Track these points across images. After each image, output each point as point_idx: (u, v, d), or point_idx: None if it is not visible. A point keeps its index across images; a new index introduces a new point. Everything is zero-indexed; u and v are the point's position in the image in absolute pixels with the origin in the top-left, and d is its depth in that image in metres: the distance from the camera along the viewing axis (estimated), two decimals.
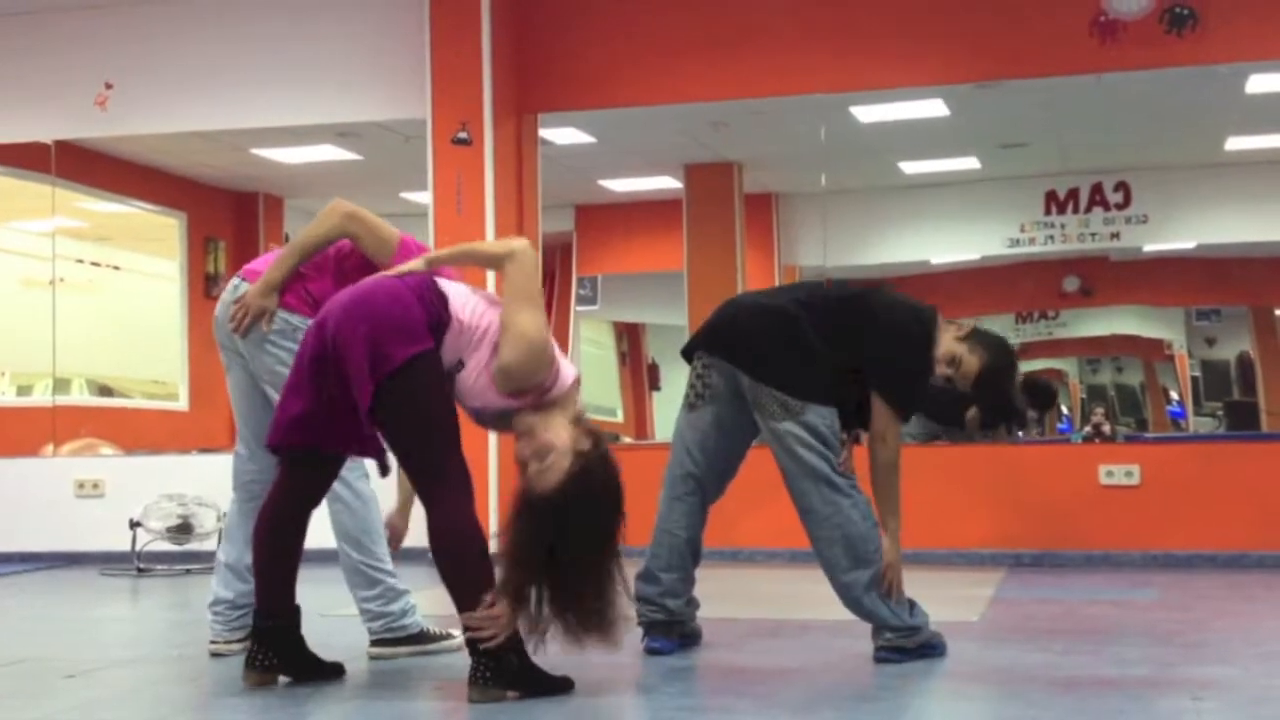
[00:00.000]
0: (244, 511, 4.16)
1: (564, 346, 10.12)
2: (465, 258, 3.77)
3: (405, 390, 3.38)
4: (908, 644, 3.94)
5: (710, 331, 4.16)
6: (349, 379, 3.40)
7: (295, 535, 3.64)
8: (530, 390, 3.43)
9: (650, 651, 4.13)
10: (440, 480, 3.43)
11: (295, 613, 3.67)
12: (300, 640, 3.70)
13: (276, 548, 3.62)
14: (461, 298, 3.51)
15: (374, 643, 4.16)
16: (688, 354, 4.22)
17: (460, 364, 3.47)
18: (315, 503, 3.69)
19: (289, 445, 3.57)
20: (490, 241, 3.65)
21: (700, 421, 4.12)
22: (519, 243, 3.59)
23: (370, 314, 3.40)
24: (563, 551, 3.31)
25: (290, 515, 3.63)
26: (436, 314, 3.44)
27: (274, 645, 3.63)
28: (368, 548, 4.15)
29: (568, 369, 3.49)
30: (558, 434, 3.38)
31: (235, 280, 4.09)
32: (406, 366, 3.36)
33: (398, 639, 4.15)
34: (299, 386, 3.52)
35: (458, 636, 4.07)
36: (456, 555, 3.42)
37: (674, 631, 4.17)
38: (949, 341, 4.08)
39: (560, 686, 3.48)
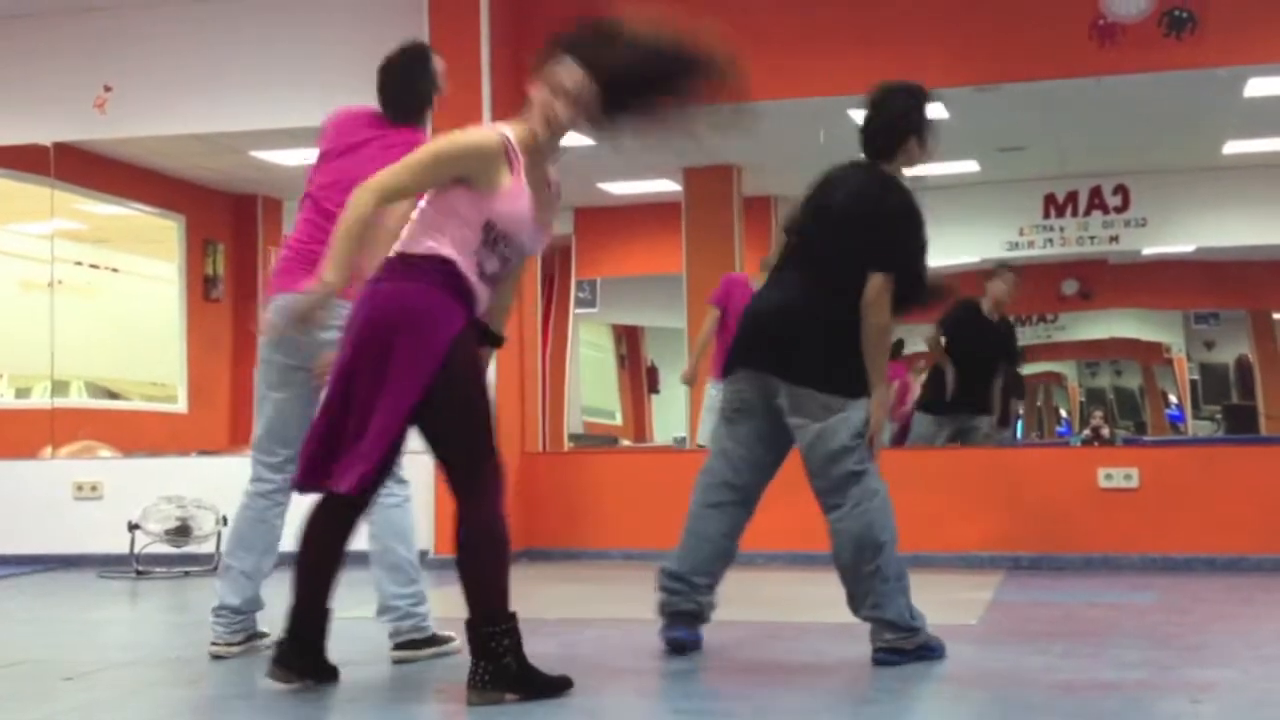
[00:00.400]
0: (265, 519, 4.16)
1: (562, 350, 10.16)
2: (347, 242, 3.45)
3: (449, 381, 3.39)
4: (906, 645, 3.95)
5: (742, 349, 4.16)
6: (391, 383, 3.38)
7: (344, 541, 3.61)
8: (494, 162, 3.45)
9: (672, 641, 4.12)
10: (477, 477, 3.44)
11: (329, 617, 3.66)
12: (324, 646, 3.69)
13: (327, 551, 3.59)
14: (425, 240, 3.46)
15: (399, 645, 4.13)
16: (728, 375, 4.22)
17: (502, 234, 3.48)
18: (365, 509, 3.66)
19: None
20: (341, 222, 3.54)
21: (739, 434, 4.14)
22: (354, 199, 3.45)
23: (399, 313, 3.40)
24: (663, 78, 3.52)
25: (343, 521, 3.60)
26: (438, 271, 3.42)
27: (307, 648, 3.61)
28: (412, 546, 4.19)
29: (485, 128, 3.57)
30: (544, 87, 3.54)
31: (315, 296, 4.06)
32: (449, 354, 3.37)
33: (418, 641, 4.15)
34: (330, 426, 3.48)
35: (456, 639, 4.08)
36: (483, 556, 3.43)
37: (695, 624, 4.18)
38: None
39: (559, 686, 3.49)
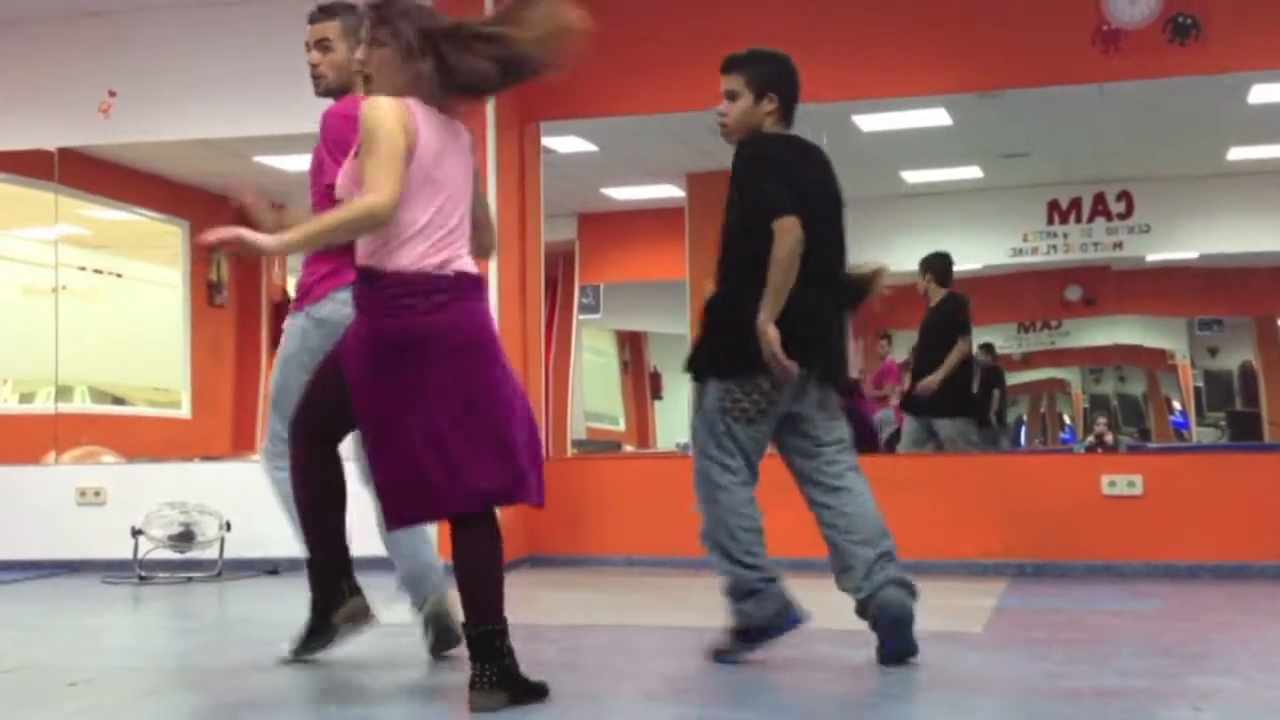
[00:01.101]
0: None
1: (565, 355, 10.16)
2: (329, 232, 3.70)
3: None
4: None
5: (812, 349, 4.13)
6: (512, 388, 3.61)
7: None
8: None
9: (798, 623, 4.16)
10: None
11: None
12: None
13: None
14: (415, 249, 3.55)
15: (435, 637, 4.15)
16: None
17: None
18: None
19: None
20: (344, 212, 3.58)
21: (760, 434, 4.18)
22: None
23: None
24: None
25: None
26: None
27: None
28: (434, 549, 4.22)
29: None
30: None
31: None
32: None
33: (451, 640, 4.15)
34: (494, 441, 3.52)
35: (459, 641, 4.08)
36: (483, 558, 3.45)
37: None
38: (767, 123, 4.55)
39: (542, 690, 3.50)
